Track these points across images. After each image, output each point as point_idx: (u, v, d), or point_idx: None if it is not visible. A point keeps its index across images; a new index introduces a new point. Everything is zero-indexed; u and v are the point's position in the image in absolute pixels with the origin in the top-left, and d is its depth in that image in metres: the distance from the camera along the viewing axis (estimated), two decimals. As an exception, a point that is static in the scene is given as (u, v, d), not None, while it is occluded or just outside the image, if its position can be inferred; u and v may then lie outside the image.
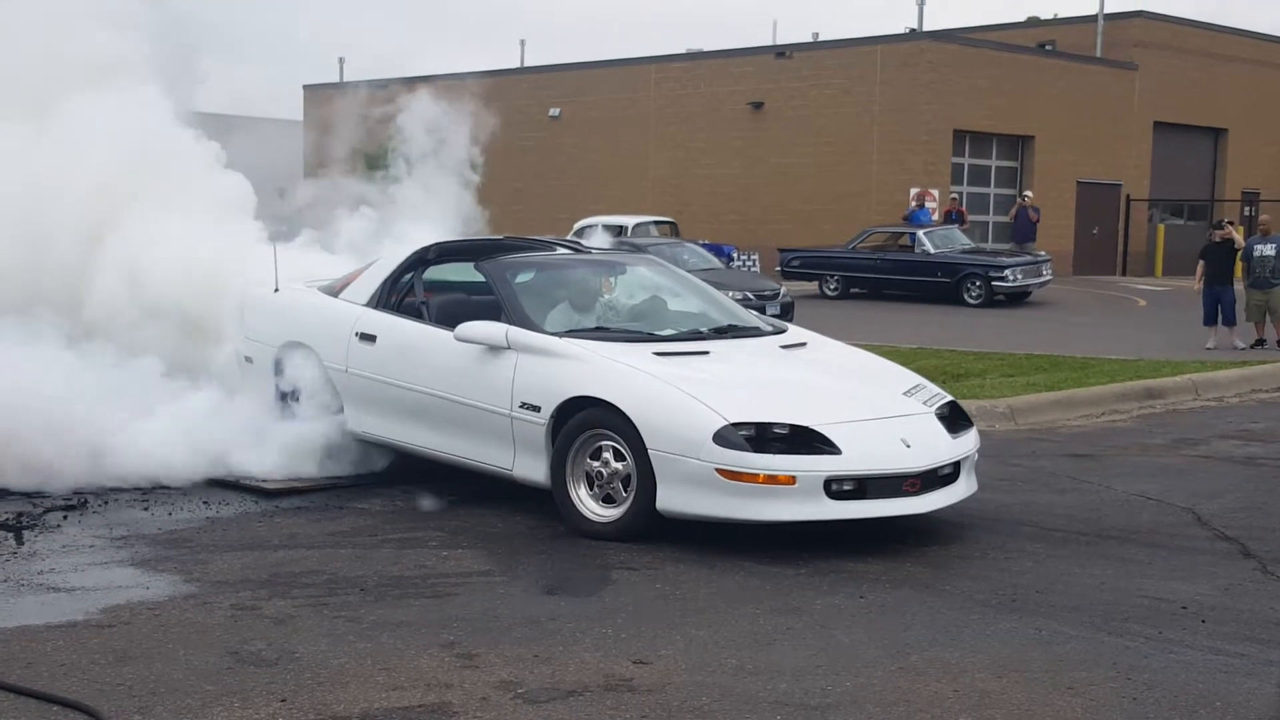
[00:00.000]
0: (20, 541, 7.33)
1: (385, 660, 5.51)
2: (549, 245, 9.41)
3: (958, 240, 27.29)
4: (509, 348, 7.88)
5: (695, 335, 8.33)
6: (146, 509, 8.15)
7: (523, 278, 8.63)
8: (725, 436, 7.04)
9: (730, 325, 8.59)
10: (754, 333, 8.57)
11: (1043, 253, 27.72)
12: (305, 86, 40.51)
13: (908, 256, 26.83)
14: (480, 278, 8.67)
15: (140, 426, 8.81)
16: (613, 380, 7.46)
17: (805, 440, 7.13)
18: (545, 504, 7.83)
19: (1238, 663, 5.63)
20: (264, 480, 8.64)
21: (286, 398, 9.16)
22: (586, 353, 7.72)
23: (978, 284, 25.79)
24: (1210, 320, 18.59)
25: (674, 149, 35.59)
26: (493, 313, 8.25)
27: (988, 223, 33.86)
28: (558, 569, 6.99)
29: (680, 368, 7.61)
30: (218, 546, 7.33)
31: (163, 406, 9.03)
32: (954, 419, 7.84)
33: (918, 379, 8.22)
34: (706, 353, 7.98)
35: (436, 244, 9.08)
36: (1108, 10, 36.97)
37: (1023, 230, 30.01)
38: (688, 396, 7.25)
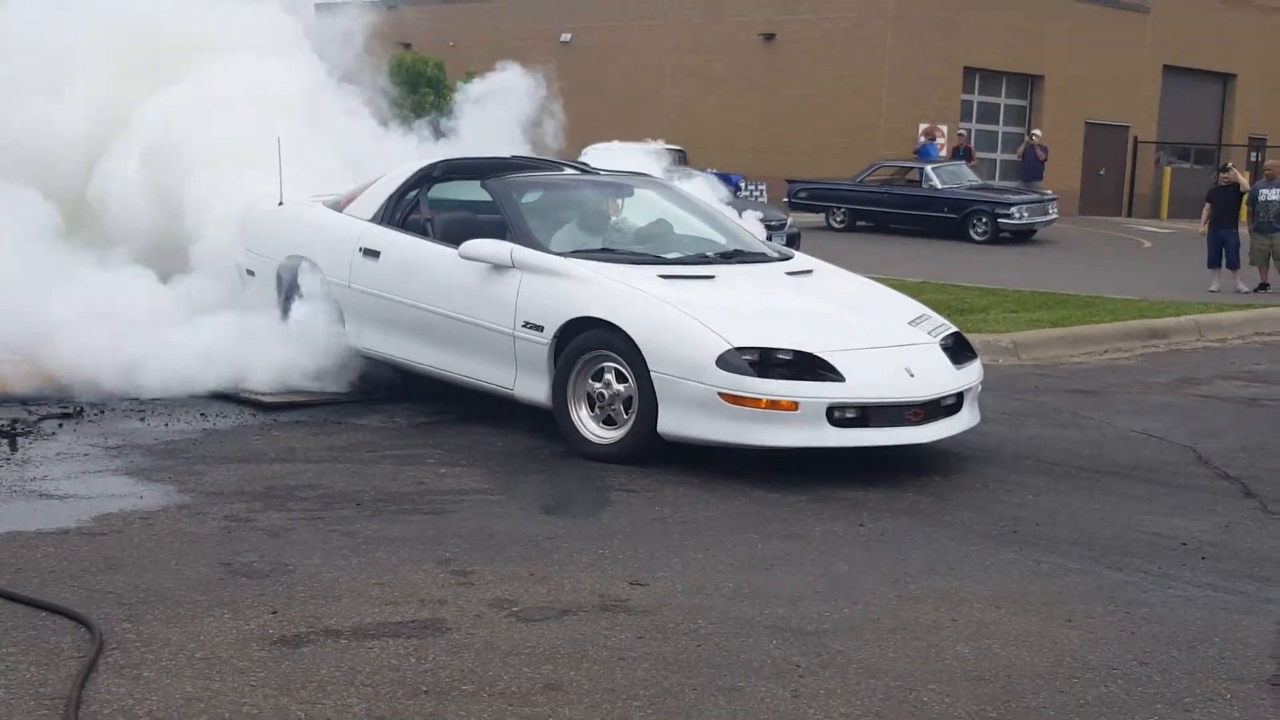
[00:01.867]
0: (14, 448, 7.28)
1: (379, 575, 5.46)
2: (556, 165, 9.30)
3: (965, 176, 27.13)
4: (513, 266, 7.79)
5: (701, 259, 8.24)
6: (143, 419, 8.09)
7: (529, 197, 8.54)
8: (728, 360, 6.97)
9: (737, 250, 8.49)
10: (760, 258, 8.48)
11: (1049, 191, 27.58)
12: (316, 4, 40.07)
13: (915, 191, 26.68)
14: (486, 197, 8.57)
15: (136, 338, 8.75)
16: (617, 302, 7.38)
17: (809, 366, 7.07)
18: (545, 424, 7.78)
19: (1236, 600, 5.59)
20: (262, 394, 8.58)
21: (288, 311, 9.07)
22: (591, 273, 7.64)
23: (984, 220, 25.66)
24: (1215, 263, 18.49)
25: (687, 78, 35.27)
26: (498, 232, 8.15)
27: (995, 160, 33.66)
28: (556, 489, 6.94)
29: (685, 291, 7.52)
30: (213, 458, 7.28)
31: (161, 318, 8.97)
32: (958, 350, 7.77)
33: (923, 309, 8.14)
34: (712, 277, 7.90)
35: (442, 161, 8.99)
36: (1123, -49, 36.56)
37: (1030, 168, 29.82)
38: (692, 319, 7.18)
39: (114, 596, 5.10)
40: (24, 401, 8.25)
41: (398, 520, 6.24)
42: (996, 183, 30.89)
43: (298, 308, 8.93)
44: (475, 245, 7.94)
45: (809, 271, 8.41)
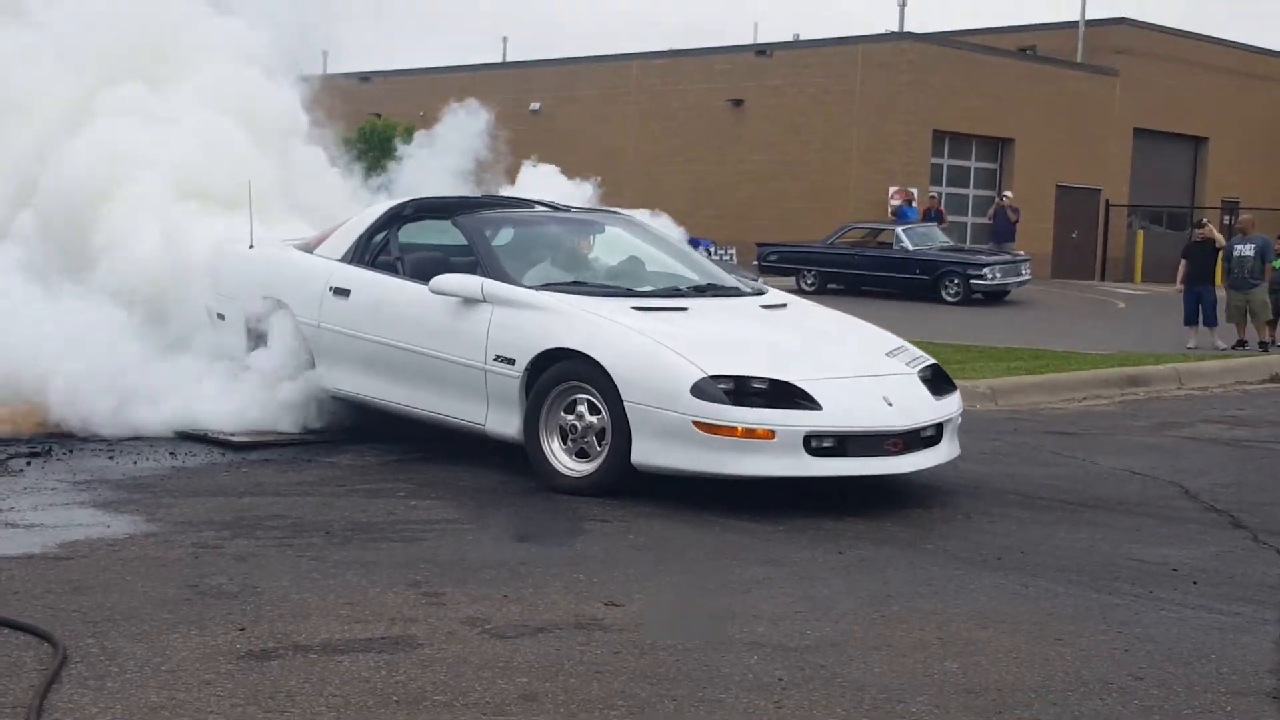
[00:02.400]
0: (-22, 484, 7.12)
1: (349, 596, 5.32)
2: (527, 203, 9.23)
3: (936, 238, 27.19)
4: (484, 300, 7.69)
5: (674, 293, 8.16)
6: (111, 458, 7.96)
7: (500, 234, 8.46)
8: (703, 389, 6.87)
9: (710, 284, 8.43)
10: (734, 292, 8.41)
11: (1021, 252, 27.65)
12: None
13: (886, 253, 26.70)
14: (457, 240, 8.50)
15: (106, 380, 8.62)
16: (589, 332, 7.28)
17: (785, 395, 6.97)
18: (517, 461, 7.65)
19: (1232, 620, 5.47)
20: (232, 434, 8.44)
21: (258, 353, 8.93)
22: (563, 305, 7.55)
23: (956, 282, 25.67)
24: (1191, 320, 18.43)
25: (654, 144, 35.40)
26: (469, 270, 8.06)
27: (966, 223, 33.79)
28: (529, 519, 6.81)
29: (659, 322, 7.44)
30: (181, 492, 7.14)
31: (133, 360, 8.84)
32: (937, 381, 7.69)
33: (901, 341, 8.07)
34: (685, 309, 7.82)
35: (413, 200, 8.92)
36: (1090, 16, 36.97)
37: (1001, 230, 29.90)
38: (666, 349, 7.08)
39: (79, 615, 4.95)
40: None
41: (368, 548, 6.10)
42: (968, 245, 30.98)
43: (268, 348, 8.80)
44: (446, 280, 7.85)
45: (784, 305, 8.34)
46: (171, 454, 8.11)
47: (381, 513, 6.77)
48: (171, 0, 11.33)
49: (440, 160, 11.34)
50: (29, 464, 7.67)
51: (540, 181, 11.23)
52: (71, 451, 8.04)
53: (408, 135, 12.87)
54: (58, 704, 4.09)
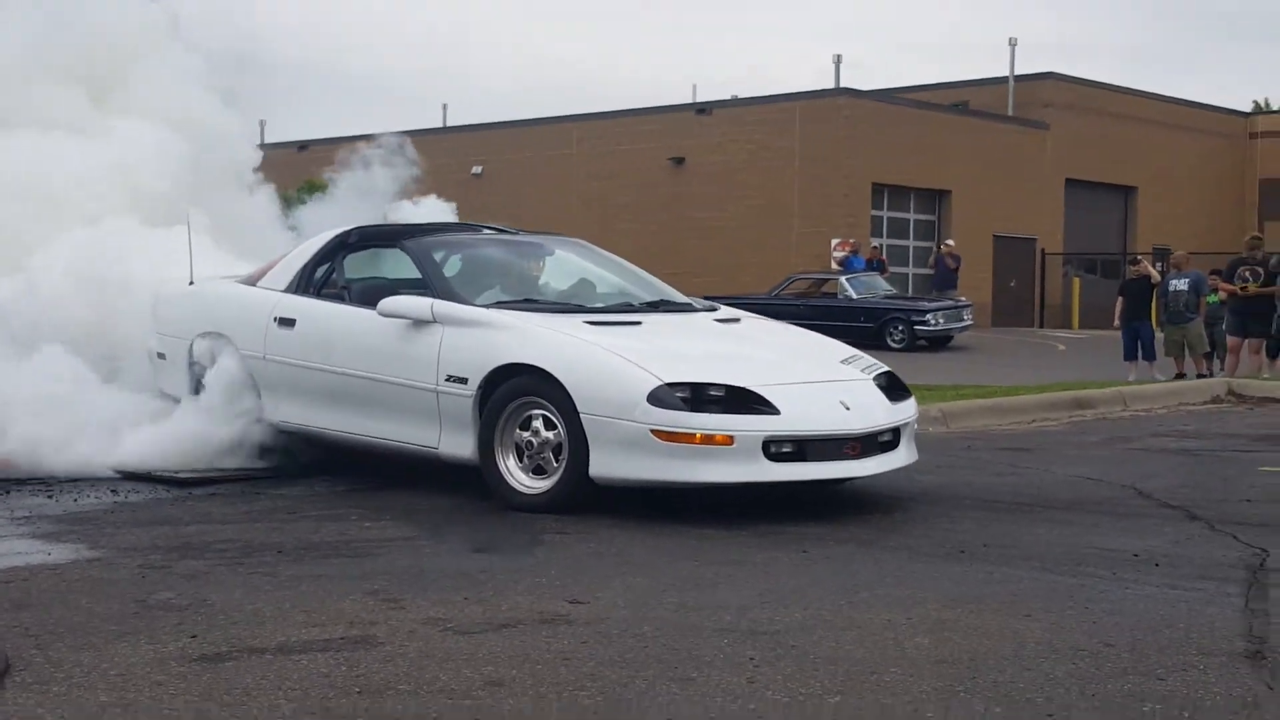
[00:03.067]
0: (-89, 524, 6.90)
1: (304, 604, 5.16)
2: (475, 228, 9.16)
3: (880, 286, 27.33)
4: (435, 320, 7.58)
5: (627, 308, 8.09)
6: (50, 496, 7.75)
7: (448, 257, 8.37)
8: (660, 397, 6.79)
9: (663, 300, 8.37)
10: (687, 308, 8.35)
11: (963, 298, 27.83)
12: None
13: (831, 302, 26.78)
14: (400, 273, 8.39)
15: (45, 422, 8.44)
16: (543, 346, 7.19)
17: (743, 401, 6.89)
18: (471, 483, 7.52)
19: (1197, 595, 5.42)
20: (176, 471, 8.26)
21: (201, 390, 8.76)
22: (515, 321, 7.46)
23: (900, 328, 25.76)
24: (1130, 355, 18.52)
25: (597, 204, 35.45)
26: (418, 294, 7.95)
27: (907, 274, 33.99)
28: (486, 534, 6.67)
29: (613, 336, 7.35)
30: (126, 523, 6.95)
31: (70, 401, 8.65)
32: (892, 388, 7.64)
33: (854, 350, 8.03)
34: (639, 323, 7.74)
35: (357, 228, 8.80)
36: (1019, 71, 37.49)
37: (943, 278, 30.11)
38: (621, 359, 7.00)
39: (19, 629, 4.76)
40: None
41: (321, 563, 5.95)
42: (910, 293, 31.16)
43: (211, 384, 8.63)
44: (394, 301, 7.74)
45: (737, 320, 8.28)
46: (113, 491, 7.91)
47: (334, 534, 6.62)
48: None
49: (360, 200, 11.26)
50: (-38, 506, 7.45)
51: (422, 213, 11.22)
52: (8, 493, 7.81)
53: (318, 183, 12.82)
54: (1, 710, 3.91)
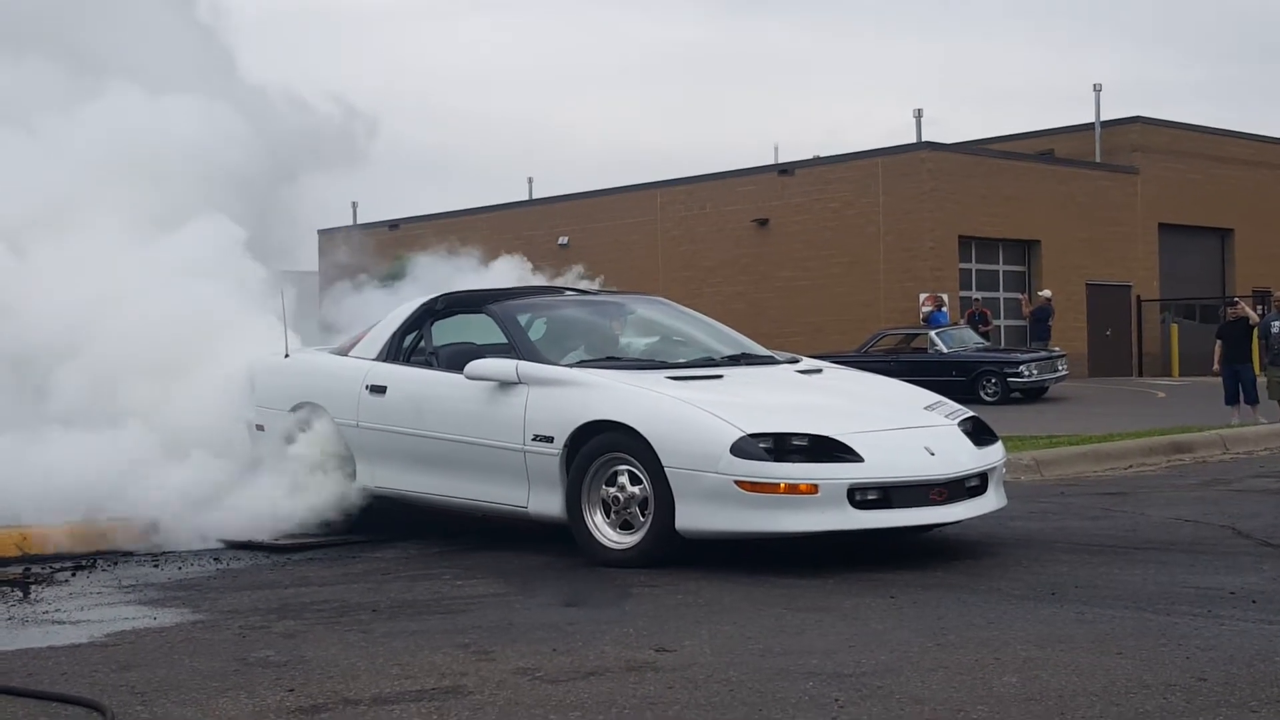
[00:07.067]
0: (26, 593, 7.12)
1: (397, 658, 5.27)
2: (557, 290, 9.31)
3: (970, 339, 27.16)
4: (519, 382, 7.72)
5: (709, 363, 8.17)
6: (156, 565, 7.96)
7: (532, 320, 8.52)
8: (743, 448, 6.85)
9: (743, 354, 8.44)
10: (768, 361, 8.42)
11: (1057, 348, 27.56)
12: (320, 231, 40.80)
13: (921, 356, 26.64)
14: (489, 334, 8.54)
15: (151, 496, 8.67)
16: (626, 402, 7.29)
17: (826, 449, 6.93)
18: (560, 542, 7.61)
19: (1292, 629, 5.37)
20: (276, 539, 8.44)
21: (299, 459, 8.95)
22: (598, 379, 7.57)
23: (993, 381, 25.56)
24: (1232, 399, 18.21)
25: (683, 269, 35.66)
26: (503, 356, 8.10)
27: (1000, 326, 33.74)
28: (575, 588, 6.75)
29: (695, 390, 7.43)
30: (228, 588, 7.11)
31: (175, 476, 8.88)
32: (978, 433, 7.64)
33: (938, 397, 8.04)
34: (721, 376, 7.82)
35: (444, 295, 8.98)
36: (1105, 117, 37.24)
37: (1038, 329, 29.89)
38: (703, 412, 7.07)
39: (126, 688, 4.91)
40: (39, 559, 8.12)
41: (415, 619, 6.06)
42: (1002, 344, 30.93)
43: (306, 452, 8.82)
44: (481, 364, 7.89)
45: (819, 371, 8.33)
46: (215, 559, 8.11)
47: (426, 592, 6.74)
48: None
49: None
50: (73, 575, 7.67)
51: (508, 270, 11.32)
52: (116, 563, 8.04)
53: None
54: (109, 757, 4.05)
